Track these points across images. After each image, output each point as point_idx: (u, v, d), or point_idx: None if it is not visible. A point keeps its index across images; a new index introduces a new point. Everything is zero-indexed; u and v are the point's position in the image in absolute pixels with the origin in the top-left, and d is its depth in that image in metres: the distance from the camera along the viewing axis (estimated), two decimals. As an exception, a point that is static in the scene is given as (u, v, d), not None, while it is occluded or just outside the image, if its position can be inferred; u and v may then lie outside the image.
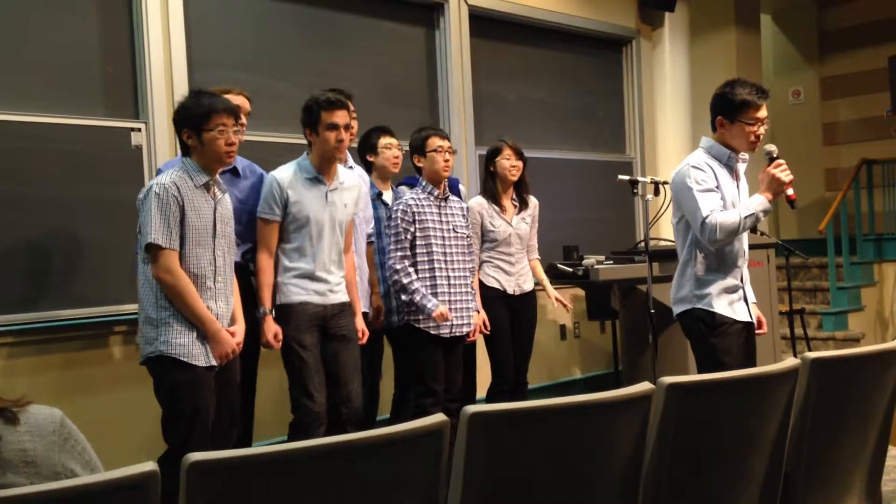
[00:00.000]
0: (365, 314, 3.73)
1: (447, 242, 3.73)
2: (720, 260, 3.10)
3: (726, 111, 3.06)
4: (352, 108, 3.73)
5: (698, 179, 3.02)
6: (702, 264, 3.10)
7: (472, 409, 1.52)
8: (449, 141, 4.04)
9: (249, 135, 3.50)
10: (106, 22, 3.89)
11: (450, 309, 3.69)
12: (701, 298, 3.09)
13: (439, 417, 1.50)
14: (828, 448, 2.16)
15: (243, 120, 3.41)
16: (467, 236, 3.85)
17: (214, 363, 2.88)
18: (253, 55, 4.37)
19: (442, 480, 1.54)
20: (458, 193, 4.27)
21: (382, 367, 4.00)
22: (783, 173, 2.98)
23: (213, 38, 4.23)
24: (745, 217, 2.97)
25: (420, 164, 3.75)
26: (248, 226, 3.36)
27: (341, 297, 3.40)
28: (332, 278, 3.36)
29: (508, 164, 4.12)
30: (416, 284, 3.63)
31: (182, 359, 2.80)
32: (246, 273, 3.42)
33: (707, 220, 2.96)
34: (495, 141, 4.25)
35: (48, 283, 3.62)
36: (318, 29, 4.67)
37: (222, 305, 2.93)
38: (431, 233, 3.68)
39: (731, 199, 3.08)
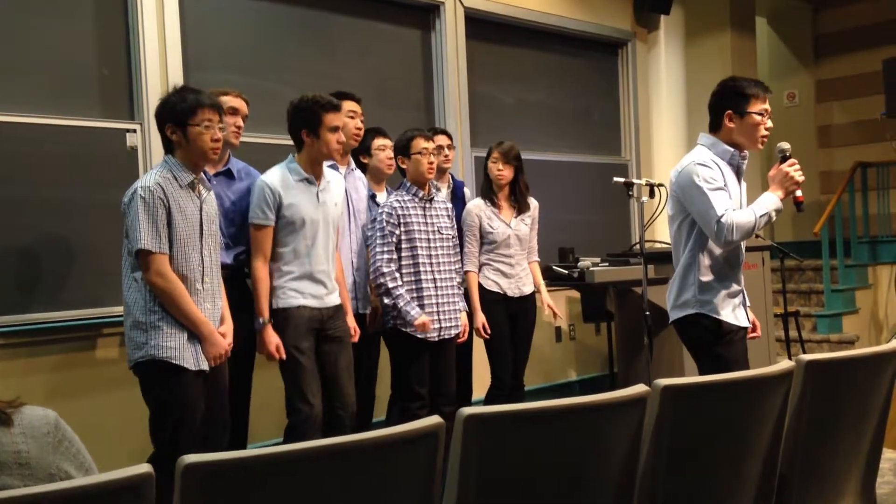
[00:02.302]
0: (363, 315, 3.73)
1: (432, 244, 3.72)
2: (726, 264, 2.99)
3: (735, 103, 2.94)
4: (355, 107, 3.74)
5: (707, 178, 2.87)
6: (706, 268, 2.96)
7: (467, 410, 1.52)
8: (447, 137, 4.03)
9: (244, 136, 3.50)
10: (101, 23, 3.89)
11: (437, 311, 3.69)
12: (705, 304, 2.96)
13: (434, 419, 1.50)
14: (822, 450, 2.16)
15: (241, 124, 3.41)
16: (453, 237, 3.84)
17: (204, 367, 2.87)
18: (248, 56, 4.37)
19: (437, 483, 1.54)
20: (462, 196, 4.27)
21: (378, 369, 3.99)
22: (797, 172, 2.89)
23: (209, 39, 4.22)
24: (760, 216, 2.84)
25: (404, 166, 3.73)
26: (242, 227, 3.36)
27: (336, 299, 3.40)
28: (329, 280, 3.36)
29: (495, 168, 4.13)
30: (401, 290, 3.62)
31: (173, 362, 2.79)
32: (240, 275, 3.41)
33: (722, 220, 2.82)
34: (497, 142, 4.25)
35: (41, 285, 3.61)
36: (313, 30, 4.67)
37: (208, 307, 2.91)
38: (416, 235, 3.67)
39: (736, 199, 2.97)
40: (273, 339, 3.23)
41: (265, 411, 3.80)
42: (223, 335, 2.95)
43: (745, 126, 2.95)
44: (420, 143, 3.69)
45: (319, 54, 4.68)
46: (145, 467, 1.21)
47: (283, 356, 3.24)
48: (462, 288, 3.94)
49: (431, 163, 3.70)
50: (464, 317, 3.85)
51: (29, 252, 3.59)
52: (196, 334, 2.83)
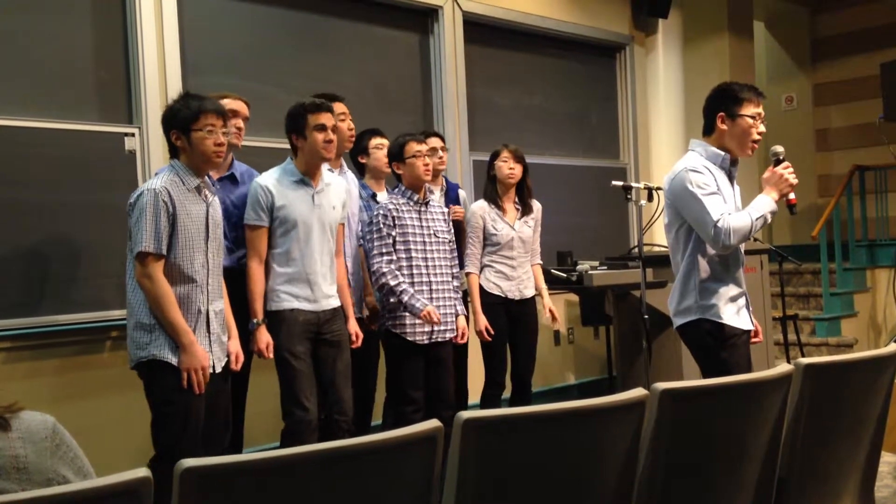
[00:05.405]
0: (360, 319, 3.72)
1: (428, 248, 3.70)
2: (724, 267, 2.98)
3: (727, 106, 2.95)
4: (344, 108, 3.72)
5: (700, 183, 2.88)
6: (706, 273, 2.96)
7: (465, 414, 1.52)
8: (440, 139, 4.02)
9: (244, 140, 3.49)
10: (100, 26, 3.89)
11: None
12: (707, 309, 2.95)
13: (433, 423, 1.50)
14: (821, 453, 2.16)
15: (241, 125, 3.42)
16: (449, 240, 3.82)
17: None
18: (247, 60, 4.37)
19: (435, 487, 1.54)
20: (456, 198, 4.26)
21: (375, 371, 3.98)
22: (791, 175, 2.90)
23: (207, 42, 4.23)
24: (756, 219, 2.85)
25: (400, 172, 3.70)
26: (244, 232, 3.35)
27: (333, 302, 3.38)
28: (324, 283, 3.34)
29: (506, 166, 4.12)
30: (404, 286, 3.59)
31: (175, 364, 2.79)
32: (241, 278, 3.41)
33: (719, 225, 2.82)
34: (495, 146, 4.25)
35: (42, 288, 3.60)
36: (312, 34, 4.67)
37: (215, 308, 2.93)
38: (412, 238, 3.65)
39: (730, 203, 2.97)
40: (265, 337, 3.23)
41: (262, 415, 3.80)
42: (230, 351, 3.01)
43: (736, 129, 2.95)
44: (413, 147, 3.67)
45: (318, 58, 4.69)
46: (143, 472, 1.20)
47: (271, 356, 3.24)
48: (461, 290, 3.93)
49: (427, 164, 3.68)
50: (461, 321, 3.83)
51: (29, 256, 3.59)
52: (178, 342, 2.80)
